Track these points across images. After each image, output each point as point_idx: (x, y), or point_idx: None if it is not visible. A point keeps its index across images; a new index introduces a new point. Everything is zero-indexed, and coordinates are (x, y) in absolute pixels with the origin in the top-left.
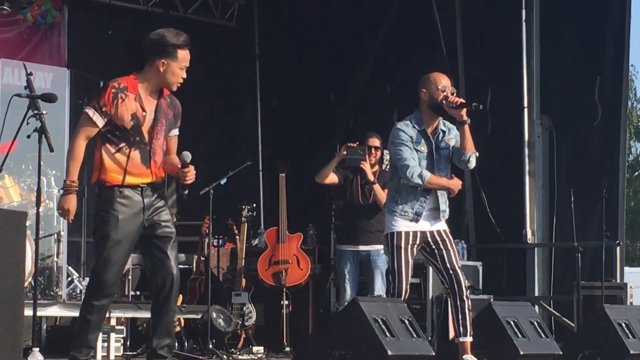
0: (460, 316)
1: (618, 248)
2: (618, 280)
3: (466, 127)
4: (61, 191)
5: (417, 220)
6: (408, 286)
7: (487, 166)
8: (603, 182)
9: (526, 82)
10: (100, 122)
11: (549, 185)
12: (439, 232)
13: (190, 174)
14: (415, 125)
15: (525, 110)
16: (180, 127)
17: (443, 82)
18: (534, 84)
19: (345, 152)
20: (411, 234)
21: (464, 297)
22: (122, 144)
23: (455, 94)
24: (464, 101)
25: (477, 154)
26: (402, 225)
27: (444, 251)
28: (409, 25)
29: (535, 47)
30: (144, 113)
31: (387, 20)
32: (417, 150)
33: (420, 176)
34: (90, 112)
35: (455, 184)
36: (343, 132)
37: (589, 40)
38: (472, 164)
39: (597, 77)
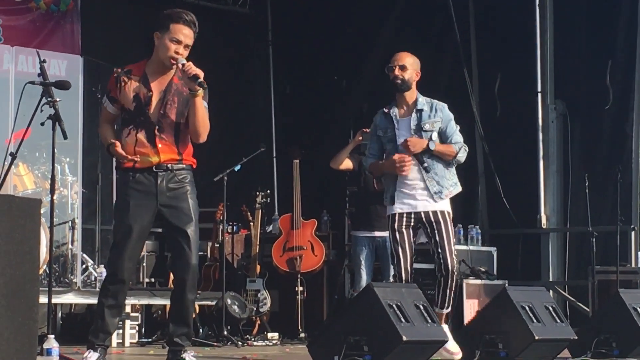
0: (442, 292)
1: (633, 232)
2: (633, 265)
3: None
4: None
5: (393, 203)
6: (408, 266)
7: (501, 151)
8: (618, 167)
9: (540, 67)
10: (110, 108)
11: (563, 170)
12: (434, 212)
13: (189, 66)
14: (385, 110)
15: (539, 95)
16: None
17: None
18: (548, 69)
19: (360, 138)
20: (405, 215)
21: (449, 277)
22: (131, 126)
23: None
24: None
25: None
26: (394, 208)
27: (436, 232)
28: (422, 9)
29: (549, 31)
30: (150, 93)
31: (400, 5)
32: (379, 137)
33: (367, 164)
34: (104, 100)
35: (387, 165)
36: (356, 117)
37: (601, 24)
38: None
39: (609, 61)
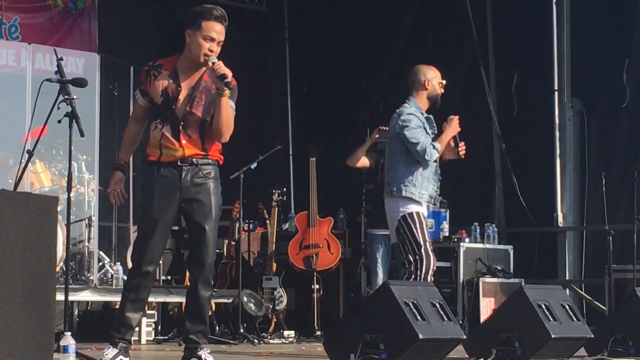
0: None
1: None
2: None
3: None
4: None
5: (433, 203)
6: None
7: (518, 150)
8: (635, 165)
9: (557, 65)
10: (142, 101)
11: (580, 168)
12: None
13: (219, 65)
14: (423, 112)
15: (556, 93)
16: None
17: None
18: (564, 67)
19: (377, 136)
20: (422, 215)
21: None
22: (158, 120)
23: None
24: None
25: None
26: (417, 207)
27: None
28: (440, 7)
29: (566, 29)
30: (179, 89)
31: (418, 3)
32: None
33: (435, 149)
34: (135, 94)
35: (450, 131)
36: (373, 116)
37: (618, 22)
38: None
39: (625, 59)
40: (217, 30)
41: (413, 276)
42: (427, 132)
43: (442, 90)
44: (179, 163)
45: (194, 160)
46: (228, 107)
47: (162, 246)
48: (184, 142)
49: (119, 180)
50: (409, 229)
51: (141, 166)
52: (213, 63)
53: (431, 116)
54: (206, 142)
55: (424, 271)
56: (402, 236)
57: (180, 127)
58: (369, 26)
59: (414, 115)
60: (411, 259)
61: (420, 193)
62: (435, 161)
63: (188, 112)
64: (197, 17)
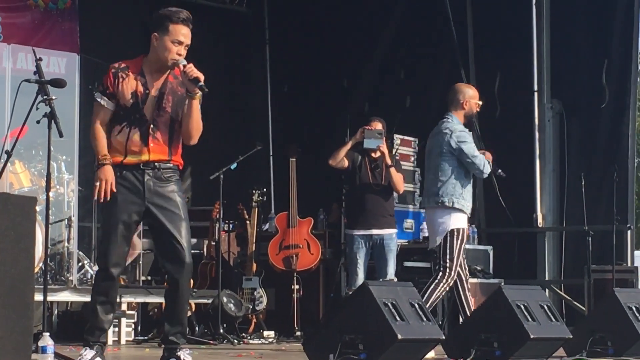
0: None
1: (629, 232)
2: (629, 264)
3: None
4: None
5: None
6: None
7: (498, 150)
8: (614, 166)
9: (536, 66)
10: (108, 103)
11: (560, 169)
12: None
13: (190, 68)
14: (470, 131)
15: (536, 94)
16: None
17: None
18: (544, 68)
19: (362, 135)
20: (465, 232)
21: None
22: (124, 123)
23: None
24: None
25: None
26: (464, 220)
27: None
28: (421, 9)
29: (546, 30)
30: (147, 91)
31: (400, 5)
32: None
33: (489, 164)
34: (98, 96)
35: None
36: (355, 117)
37: (597, 23)
38: None
39: (605, 60)
40: (184, 33)
41: (436, 281)
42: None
43: (478, 109)
44: (141, 166)
45: (156, 164)
46: (199, 110)
47: (126, 248)
48: (151, 145)
49: (112, 174)
50: (450, 243)
51: (96, 169)
52: (184, 66)
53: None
54: (172, 145)
55: (445, 285)
56: (444, 245)
57: (150, 130)
58: (350, 27)
59: (466, 133)
60: (442, 267)
61: (468, 205)
62: None
63: (157, 115)
64: (164, 20)
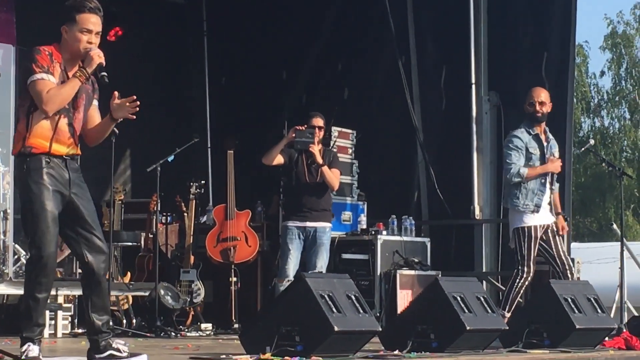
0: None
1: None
2: None
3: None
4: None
5: (537, 212)
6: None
7: (437, 143)
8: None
9: (474, 59)
10: (54, 80)
11: (497, 161)
12: (554, 223)
13: (95, 52)
14: (530, 131)
15: (473, 86)
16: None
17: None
18: (482, 61)
19: (294, 135)
20: (539, 227)
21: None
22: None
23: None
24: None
25: None
26: (527, 218)
27: (557, 239)
28: (360, 2)
29: (483, 23)
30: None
31: None
32: (531, 153)
33: (519, 174)
34: (40, 76)
35: (550, 167)
36: (294, 109)
37: (537, 16)
38: None
39: (544, 53)
40: (93, 21)
41: (511, 281)
42: (528, 151)
43: (533, 109)
44: (64, 157)
45: (74, 156)
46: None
47: (57, 238)
48: (74, 135)
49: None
50: (518, 242)
51: (16, 159)
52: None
53: (538, 133)
54: (79, 137)
55: (521, 282)
56: (515, 244)
57: (74, 119)
58: (289, 19)
59: (517, 137)
60: (516, 265)
61: (524, 204)
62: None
63: (77, 105)
64: (71, 11)
